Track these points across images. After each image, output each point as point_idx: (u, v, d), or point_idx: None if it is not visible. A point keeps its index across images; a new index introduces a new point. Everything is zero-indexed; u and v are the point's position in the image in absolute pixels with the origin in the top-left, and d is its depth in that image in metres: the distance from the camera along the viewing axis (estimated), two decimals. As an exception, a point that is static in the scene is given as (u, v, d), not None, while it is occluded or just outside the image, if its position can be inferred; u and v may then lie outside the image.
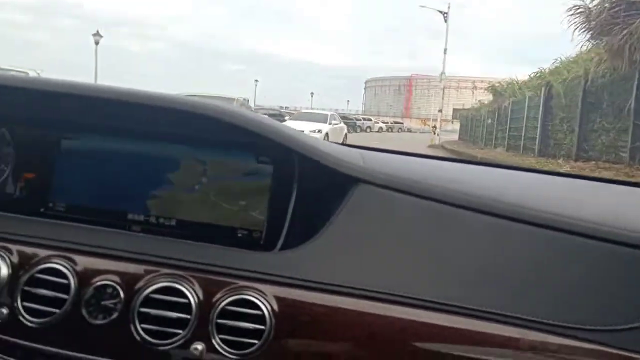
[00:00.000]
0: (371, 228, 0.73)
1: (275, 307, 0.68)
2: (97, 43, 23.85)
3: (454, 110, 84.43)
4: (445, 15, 25.07)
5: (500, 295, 0.67)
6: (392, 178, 0.76)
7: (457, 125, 75.76)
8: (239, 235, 0.80)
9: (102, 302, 0.68)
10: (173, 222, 0.81)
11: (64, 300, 0.68)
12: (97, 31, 23.89)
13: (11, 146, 0.86)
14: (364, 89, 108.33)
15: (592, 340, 0.64)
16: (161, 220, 0.81)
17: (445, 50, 26.21)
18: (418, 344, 0.66)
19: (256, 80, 65.78)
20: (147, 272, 0.70)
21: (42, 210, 0.83)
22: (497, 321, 0.65)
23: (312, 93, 53.16)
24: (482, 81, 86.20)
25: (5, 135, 0.86)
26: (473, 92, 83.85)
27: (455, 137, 39.80)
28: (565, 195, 0.98)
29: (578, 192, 1.05)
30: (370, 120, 35.41)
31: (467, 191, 0.76)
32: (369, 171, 0.77)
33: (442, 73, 27.34)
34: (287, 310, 0.68)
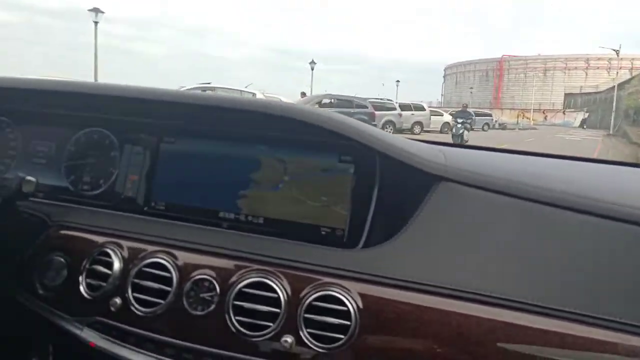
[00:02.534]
0: (455, 226, 0.73)
1: (360, 303, 0.70)
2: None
3: (567, 96, 66.18)
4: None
5: (595, 297, 0.64)
6: (475, 175, 0.76)
7: (574, 116, 57.55)
8: (322, 232, 0.83)
9: (201, 295, 0.75)
10: (260, 220, 0.85)
11: (167, 292, 0.76)
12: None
13: (118, 150, 0.95)
14: (443, 77, 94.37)
15: None
16: (249, 218, 0.86)
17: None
18: (507, 346, 0.65)
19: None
20: (239, 268, 0.75)
21: (145, 209, 0.91)
22: (591, 324, 0.63)
23: (398, 81, 41.00)
24: (598, 58, 68.32)
25: (113, 140, 0.96)
26: (586, 73, 65.13)
27: (594, 134, 30.04)
28: None
29: None
30: (423, 109, 19.49)
31: (555, 188, 0.74)
32: (451, 169, 0.77)
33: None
34: (372, 307, 0.69)
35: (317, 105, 12.94)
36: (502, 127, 33.83)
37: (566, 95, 66.41)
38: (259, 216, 0.86)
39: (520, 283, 0.67)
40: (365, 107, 13.79)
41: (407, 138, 0.93)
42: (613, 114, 34.24)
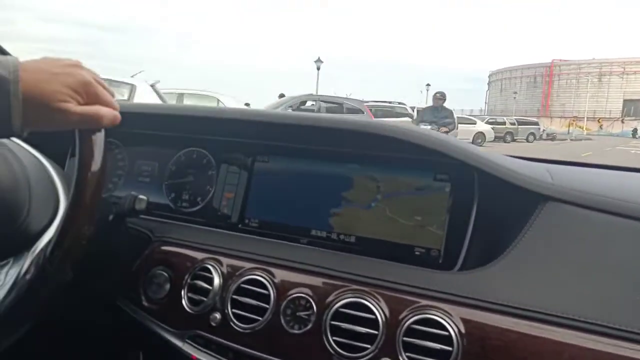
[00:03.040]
0: (565, 249, 0.69)
1: (462, 328, 0.66)
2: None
3: (626, 102, 60.22)
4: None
5: None
6: (585, 195, 0.72)
7: (634, 125, 51.65)
8: (417, 253, 0.81)
9: (297, 313, 0.74)
10: (352, 239, 0.85)
11: (265, 309, 0.76)
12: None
13: (215, 169, 0.99)
14: (488, 84, 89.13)
15: None
16: (342, 236, 0.86)
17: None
18: None
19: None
20: (336, 287, 0.74)
21: (240, 226, 0.93)
22: None
23: (428, 85, 37.77)
24: None
25: (210, 160, 1.00)
26: None
27: None
28: None
29: None
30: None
31: None
32: (558, 188, 0.73)
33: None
34: (475, 332, 0.66)
35: (290, 109, 9.84)
36: (551, 137, 29.40)
37: (625, 101, 60.52)
38: (350, 234, 0.85)
39: (634, 312, 0.61)
40: (360, 111, 10.50)
41: None
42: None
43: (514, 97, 67.87)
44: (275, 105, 10.90)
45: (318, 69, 23.11)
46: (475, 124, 18.94)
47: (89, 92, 0.59)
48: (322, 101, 11.28)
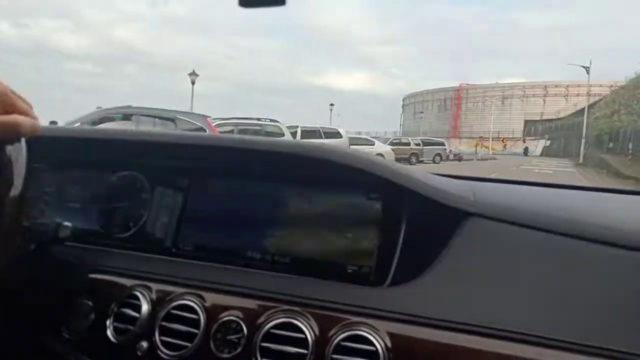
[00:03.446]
0: (486, 263, 0.72)
1: (389, 343, 0.68)
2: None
3: (527, 123, 63.36)
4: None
5: (621, 331, 0.63)
6: (504, 210, 0.76)
7: (534, 144, 53.85)
8: (349, 271, 0.82)
9: (228, 337, 0.73)
10: (287, 259, 0.85)
11: (195, 334, 0.74)
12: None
13: (149, 193, 0.95)
14: (402, 107, 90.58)
15: None
16: (276, 257, 0.85)
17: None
18: None
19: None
20: (267, 308, 0.74)
21: (174, 250, 0.91)
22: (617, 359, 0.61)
23: (332, 104, 36.15)
24: (556, 86, 66.53)
25: (144, 183, 0.96)
26: (544, 101, 63.08)
27: (562, 164, 27.62)
28: None
29: None
30: (338, 135, 13.35)
31: (587, 221, 0.74)
32: (479, 204, 0.77)
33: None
34: (402, 346, 0.68)
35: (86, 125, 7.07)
36: (458, 157, 28.60)
37: (526, 122, 63.81)
38: (285, 255, 0.85)
39: (556, 320, 0.64)
40: (200, 127, 7.67)
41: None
42: (583, 141, 29.61)
43: (421, 118, 69.40)
44: (74, 120, 8.38)
45: (193, 83, 20.24)
46: (373, 144, 17.02)
47: (4, 102, 0.60)
48: (142, 115, 8.34)
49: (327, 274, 0.79)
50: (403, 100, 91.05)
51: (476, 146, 62.34)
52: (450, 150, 30.29)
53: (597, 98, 43.11)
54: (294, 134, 12.90)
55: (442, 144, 25.65)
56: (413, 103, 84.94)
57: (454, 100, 74.54)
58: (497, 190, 0.98)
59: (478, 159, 31.99)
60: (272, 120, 11.89)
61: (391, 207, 0.82)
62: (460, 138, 65.13)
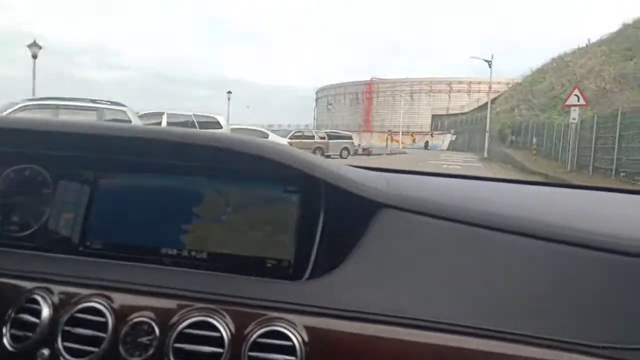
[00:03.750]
0: (399, 253, 0.73)
1: (306, 337, 0.68)
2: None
3: (434, 117, 65.09)
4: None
5: (532, 317, 0.66)
6: (416, 201, 0.77)
7: (441, 138, 55.08)
8: (268, 265, 0.80)
9: (139, 339, 0.70)
10: (204, 255, 0.82)
11: (103, 338, 0.70)
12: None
13: (51, 188, 0.90)
14: (315, 100, 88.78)
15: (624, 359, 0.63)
16: (193, 253, 0.82)
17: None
18: None
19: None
20: (181, 307, 0.72)
21: (80, 249, 0.86)
22: (530, 344, 0.65)
23: (247, 106, 33.96)
24: (459, 82, 69.12)
25: (46, 177, 0.90)
26: (449, 96, 65.30)
27: (468, 158, 27.72)
28: (588, 208, 0.96)
29: (602, 205, 1.03)
30: (218, 125, 11.15)
31: (495, 211, 0.76)
32: (393, 196, 0.78)
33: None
34: (318, 339, 0.68)
35: None
36: (367, 152, 27.34)
37: (433, 116, 65.48)
38: (202, 251, 0.82)
39: (463, 307, 0.67)
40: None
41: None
42: (487, 135, 29.81)
43: (329, 109, 68.94)
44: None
45: (34, 56, 17.15)
46: (267, 137, 14.80)
47: None
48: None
49: (245, 270, 0.77)
50: (316, 93, 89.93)
51: (387, 140, 62.95)
52: (359, 144, 29.17)
53: (497, 94, 44.65)
54: (158, 123, 10.39)
55: (350, 138, 24.11)
56: (326, 96, 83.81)
57: (366, 94, 74.95)
58: (411, 182, 0.99)
59: (388, 153, 31.18)
60: (113, 103, 9.32)
61: (308, 199, 0.80)
62: (371, 132, 65.40)
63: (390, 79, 75.03)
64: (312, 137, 20.08)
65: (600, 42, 29.33)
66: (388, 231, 0.75)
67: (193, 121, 11.48)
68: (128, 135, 0.84)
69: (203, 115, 12.12)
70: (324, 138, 20.58)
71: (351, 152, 22.90)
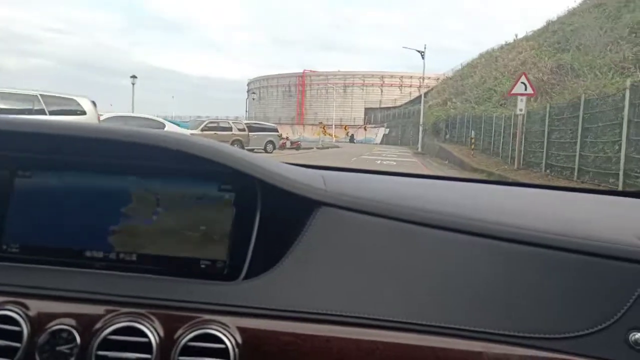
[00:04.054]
0: (335, 251, 0.73)
1: (239, 339, 0.66)
2: None
3: (367, 110, 64.44)
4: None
5: (464, 310, 0.69)
6: (354, 199, 0.77)
7: (375, 132, 54.17)
8: (202, 266, 0.77)
9: (57, 348, 0.66)
10: (133, 257, 0.77)
11: (17, 348, 0.66)
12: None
13: None
14: (247, 92, 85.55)
15: (553, 349, 0.66)
16: (121, 255, 0.77)
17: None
18: None
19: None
20: (105, 313, 0.68)
21: None
22: (462, 337, 0.67)
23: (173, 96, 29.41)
24: (392, 76, 69.29)
25: None
26: (382, 90, 65.22)
27: (402, 153, 26.66)
28: (521, 205, 0.99)
29: (534, 202, 1.05)
30: (81, 112, 7.65)
31: (427, 208, 0.77)
32: (330, 193, 0.77)
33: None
34: (253, 341, 0.67)
35: None
36: (296, 146, 25.11)
37: (366, 109, 64.83)
38: (131, 253, 0.77)
39: (397, 303, 0.69)
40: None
41: None
42: (421, 129, 28.64)
43: (253, 99, 66.54)
44: None
45: None
46: (164, 127, 12.05)
47: None
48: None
49: (178, 271, 0.75)
50: (248, 85, 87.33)
51: (319, 133, 61.50)
52: (287, 137, 26.84)
53: (428, 89, 44.23)
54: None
55: (275, 130, 21.61)
56: (258, 88, 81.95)
57: (298, 87, 73.36)
58: (349, 180, 0.99)
59: (319, 147, 29.14)
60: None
61: (244, 198, 0.78)
62: (304, 125, 63.96)
63: (323, 71, 73.77)
64: (230, 129, 17.23)
65: (527, 38, 29.35)
66: (325, 230, 0.74)
67: (39, 100, 8.43)
68: (46, 132, 0.77)
69: (54, 96, 8.86)
70: (243, 130, 17.79)
71: (277, 146, 20.51)
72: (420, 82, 66.30)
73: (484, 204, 0.95)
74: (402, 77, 67.43)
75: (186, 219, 0.78)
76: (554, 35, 25.09)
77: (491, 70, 27.83)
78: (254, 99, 64.59)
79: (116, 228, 0.77)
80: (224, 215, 0.78)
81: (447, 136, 24.91)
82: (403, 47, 38.04)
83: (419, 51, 28.63)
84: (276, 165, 0.81)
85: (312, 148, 27.32)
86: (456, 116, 24.29)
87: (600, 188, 4.43)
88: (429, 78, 59.57)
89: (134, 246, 0.77)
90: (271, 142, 19.84)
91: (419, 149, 28.66)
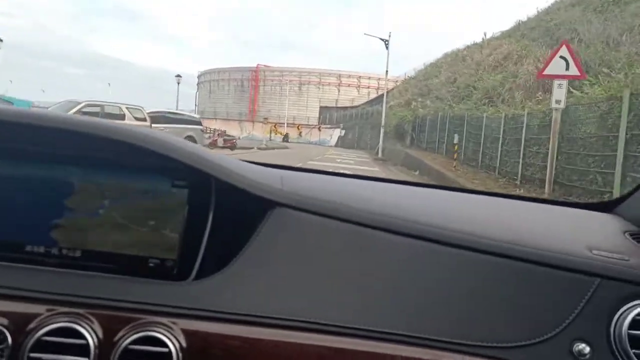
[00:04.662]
0: (288, 254, 0.71)
1: (184, 342, 0.64)
2: None
3: (322, 109, 60.57)
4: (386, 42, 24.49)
5: (413, 317, 0.68)
6: (309, 200, 0.75)
7: (330, 133, 50.38)
8: (151, 264, 0.74)
9: None
10: (77, 253, 0.73)
11: None
12: None
13: None
14: (197, 84, 79.65)
15: (501, 358, 0.66)
16: (64, 251, 0.73)
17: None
18: None
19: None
20: (42, 312, 0.65)
21: None
22: (410, 344, 0.66)
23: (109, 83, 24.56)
24: (349, 76, 66.06)
25: None
26: (338, 90, 61.85)
27: (358, 157, 22.87)
28: (475, 213, 0.96)
29: (488, 210, 1.04)
30: None
31: (383, 212, 0.76)
32: (285, 194, 0.75)
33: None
34: (198, 345, 0.64)
35: None
36: (230, 144, 20.29)
37: (321, 108, 60.91)
38: (75, 249, 0.73)
39: (347, 308, 0.68)
40: None
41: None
42: (382, 131, 24.63)
43: (226, 103, 61.47)
44: None
45: None
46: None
47: None
48: None
49: (124, 270, 0.71)
50: (198, 77, 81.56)
51: (271, 132, 57.03)
52: (219, 133, 22.02)
53: (388, 88, 40.72)
54: None
55: (198, 123, 16.65)
56: (209, 81, 76.78)
57: (252, 82, 68.70)
58: (307, 180, 0.96)
59: (262, 148, 24.43)
60: None
61: (198, 195, 0.75)
62: (253, 122, 59.62)
63: (278, 67, 69.43)
64: (121, 117, 12.33)
65: (499, 37, 26.36)
66: (280, 231, 0.72)
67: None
68: None
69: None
70: (143, 119, 12.75)
71: (200, 142, 15.70)
72: (378, 84, 64.43)
73: (438, 210, 0.91)
74: (360, 77, 64.48)
75: (135, 214, 0.73)
76: (533, 32, 22.07)
77: (461, 68, 24.45)
78: (196, 92, 59.06)
79: (59, 222, 0.72)
80: (176, 212, 0.74)
81: (414, 140, 20.99)
82: (364, 34, 34.43)
83: (382, 39, 24.70)
84: (233, 162, 0.78)
85: (253, 148, 22.63)
86: (425, 117, 20.44)
87: (562, 199, 3.37)
88: (389, 80, 57.25)
89: (78, 242, 0.73)
90: (191, 137, 15.01)
91: (379, 154, 24.67)
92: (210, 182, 0.74)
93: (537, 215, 1.05)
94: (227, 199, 0.75)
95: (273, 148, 26.31)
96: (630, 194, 1.08)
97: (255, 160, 0.99)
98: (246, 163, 0.87)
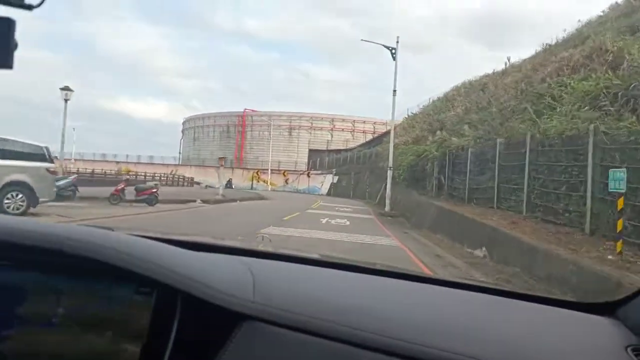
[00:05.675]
0: None
1: None
2: None
3: (311, 153, 54.36)
4: (393, 51, 19.88)
5: None
6: (283, 313, 0.68)
7: (320, 180, 43.61)
8: None
9: None
10: None
11: None
12: None
13: None
14: (182, 131, 75.03)
15: None
16: None
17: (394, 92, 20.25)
18: None
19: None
20: None
21: None
22: None
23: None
24: (343, 120, 60.78)
25: None
26: (331, 135, 56.23)
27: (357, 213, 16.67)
28: (474, 325, 0.81)
29: (490, 315, 0.90)
30: None
31: (370, 327, 0.68)
32: (257, 305, 0.68)
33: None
34: None
35: None
36: (148, 197, 12.94)
37: (311, 151, 54.53)
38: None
39: None
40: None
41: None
42: (390, 174, 17.50)
43: (210, 150, 55.54)
44: None
45: None
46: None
47: None
48: None
49: None
50: (183, 123, 76.66)
51: (253, 179, 50.30)
52: (127, 177, 14.78)
53: (388, 128, 34.39)
54: None
55: (43, 157, 8.85)
56: (193, 127, 71.73)
57: (238, 127, 63.08)
58: (284, 280, 0.86)
59: (219, 199, 16.99)
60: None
61: (165, 303, 0.68)
62: (243, 169, 53.52)
63: (266, 111, 63.95)
64: None
65: (515, 66, 20.69)
66: (251, 348, 0.65)
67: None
68: None
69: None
70: None
71: (42, 193, 8.11)
72: (374, 128, 58.88)
73: (436, 319, 0.80)
74: (354, 121, 59.06)
75: (95, 323, 0.68)
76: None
77: (481, 98, 17.92)
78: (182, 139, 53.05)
79: (10, 333, 0.67)
80: (138, 322, 0.68)
81: (444, 187, 13.61)
82: (361, 40, 24.81)
83: (388, 47, 18.09)
84: (198, 264, 0.72)
85: (196, 200, 15.25)
86: (466, 148, 12.78)
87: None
88: (383, 124, 51.66)
89: (28, 355, 0.67)
90: (21, 183, 7.59)
91: (387, 208, 17.36)
92: (177, 291, 0.66)
93: (533, 322, 0.89)
94: (192, 310, 0.67)
95: (242, 200, 19.01)
96: (635, 294, 0.93)
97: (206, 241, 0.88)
98: (215, 257, 0.81)
